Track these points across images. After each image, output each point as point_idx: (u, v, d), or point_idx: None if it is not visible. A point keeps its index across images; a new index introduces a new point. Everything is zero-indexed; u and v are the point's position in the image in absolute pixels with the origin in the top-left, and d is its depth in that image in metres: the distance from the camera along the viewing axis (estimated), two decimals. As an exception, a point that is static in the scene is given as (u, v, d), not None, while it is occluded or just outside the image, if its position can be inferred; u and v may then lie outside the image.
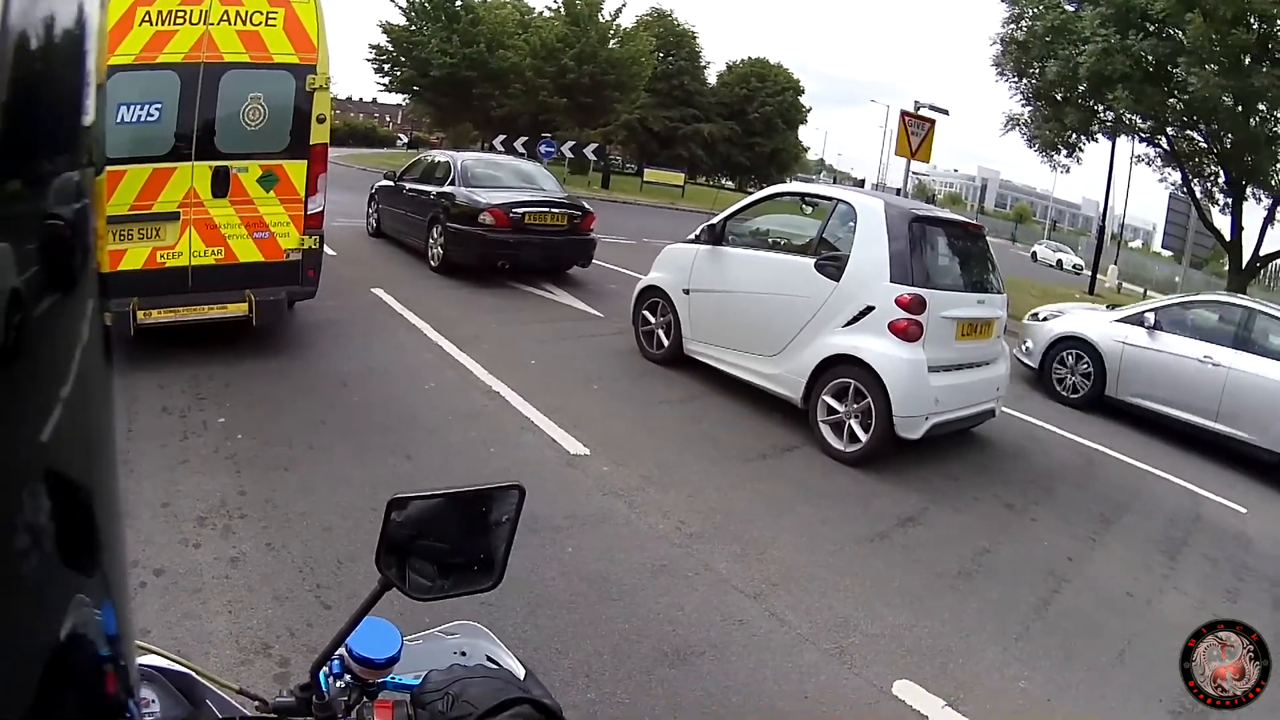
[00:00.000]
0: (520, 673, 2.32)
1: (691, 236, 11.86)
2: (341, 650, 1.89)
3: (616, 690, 5.14)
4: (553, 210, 17.17)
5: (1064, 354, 14.90)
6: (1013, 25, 28.61)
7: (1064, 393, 14.80)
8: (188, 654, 3.34)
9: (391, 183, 20.31)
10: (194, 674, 1.89)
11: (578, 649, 5.45)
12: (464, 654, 2.36)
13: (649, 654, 5.54)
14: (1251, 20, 21.56)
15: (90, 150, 0.79)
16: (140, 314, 9.37)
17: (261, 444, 7.92)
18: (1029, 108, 29.94)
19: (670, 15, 73.49)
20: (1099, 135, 29.75)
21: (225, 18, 9.60)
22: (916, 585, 7.06)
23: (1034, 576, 7.69)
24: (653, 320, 12.36)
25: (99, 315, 0.84)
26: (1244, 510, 10.80)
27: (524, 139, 47.81)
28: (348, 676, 1.94)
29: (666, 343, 12.09)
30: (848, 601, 6.59)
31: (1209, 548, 9.31)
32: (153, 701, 1.78)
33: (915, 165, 22.20)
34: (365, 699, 1.94)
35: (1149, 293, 46.11)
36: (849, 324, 9.56)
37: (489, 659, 2.37)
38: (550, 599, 5.92)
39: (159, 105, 9.46)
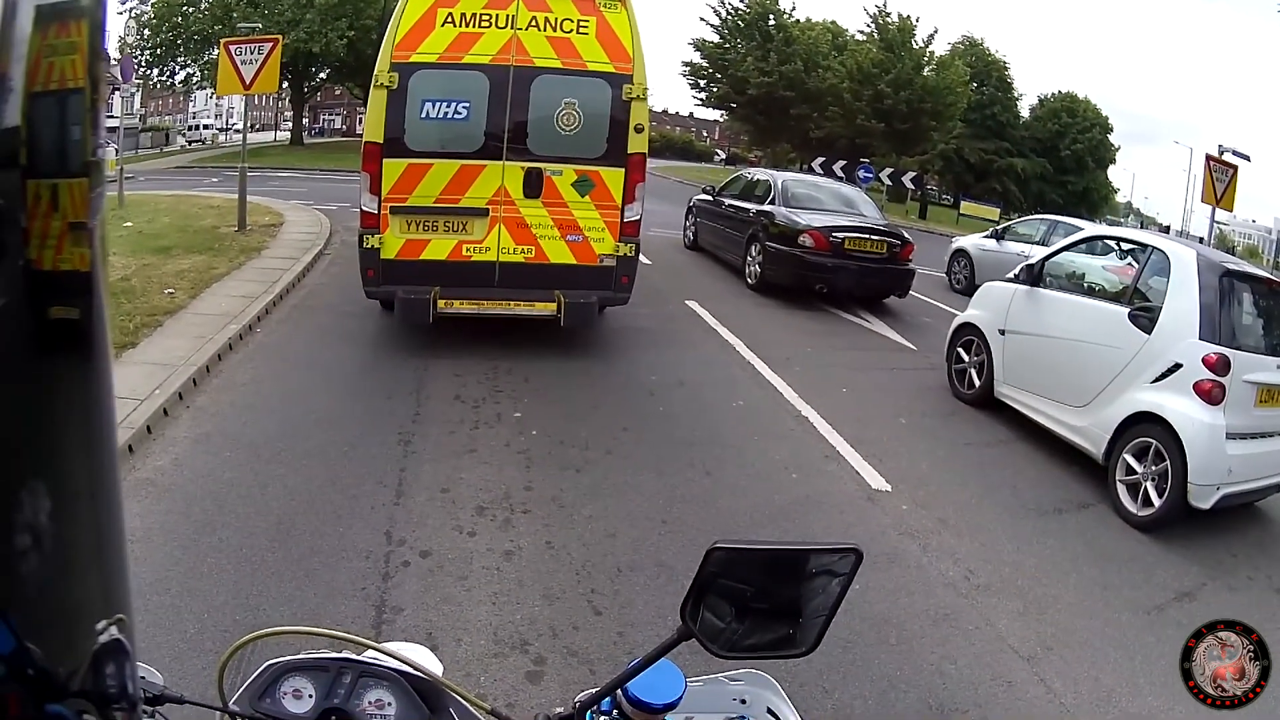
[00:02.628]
0: None
1: (1010, 275, 11.47)
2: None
3: (874, 740, 4.92)
4: (873, 237, 16.47)
5: None
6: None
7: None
8: (437, 639, 3.14)
9: (710, 197, 20.29)
10: (441, 684, 1.78)
11: (844, 690, 5.26)
12: (744, 702, 2.18)
13: (914, 705, 5.33)
14: None
15: (15, 153, 0.76)
16: (441, 303, 9.63)
17: (556, 443, 7.96)
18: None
19: (981, 44, 72.46)
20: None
21: (534, 24, 9.80)
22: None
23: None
24: (966, 358, 11.82)
25: (32, 312, 0.80)
26: None
27: (842, 162, 47.41)
28: (615, 712, 1.78)
29: (978, 383, 11.60)
30: (1115, 674, 6.23)
31: None
32: (388, 704, 1.77)
33: (1217, 214, 21.17)
34: None
35: None
36: (1156, 380, 9.05)
37: (770, 712, 2.17)
38: (828, 635, 5.66)
39: (467, 104, 9.74)
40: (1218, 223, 44.48)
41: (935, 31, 58.20)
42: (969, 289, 15.40)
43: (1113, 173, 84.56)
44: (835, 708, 5.05)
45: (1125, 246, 10.56)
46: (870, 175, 43.89)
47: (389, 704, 1.75)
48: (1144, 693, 5.98)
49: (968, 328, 11.67)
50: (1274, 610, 7.83)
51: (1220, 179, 20.31)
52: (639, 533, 6.43)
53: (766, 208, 17.17)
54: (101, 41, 0.82)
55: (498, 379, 9.26)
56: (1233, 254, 53.54)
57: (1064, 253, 10.99)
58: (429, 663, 1.91)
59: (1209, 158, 20.52)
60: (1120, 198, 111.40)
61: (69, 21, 0.78)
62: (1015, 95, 74.08)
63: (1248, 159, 21.51)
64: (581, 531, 6.38)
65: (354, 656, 1.83)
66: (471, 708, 1.75)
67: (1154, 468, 8.67)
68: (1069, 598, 7.08)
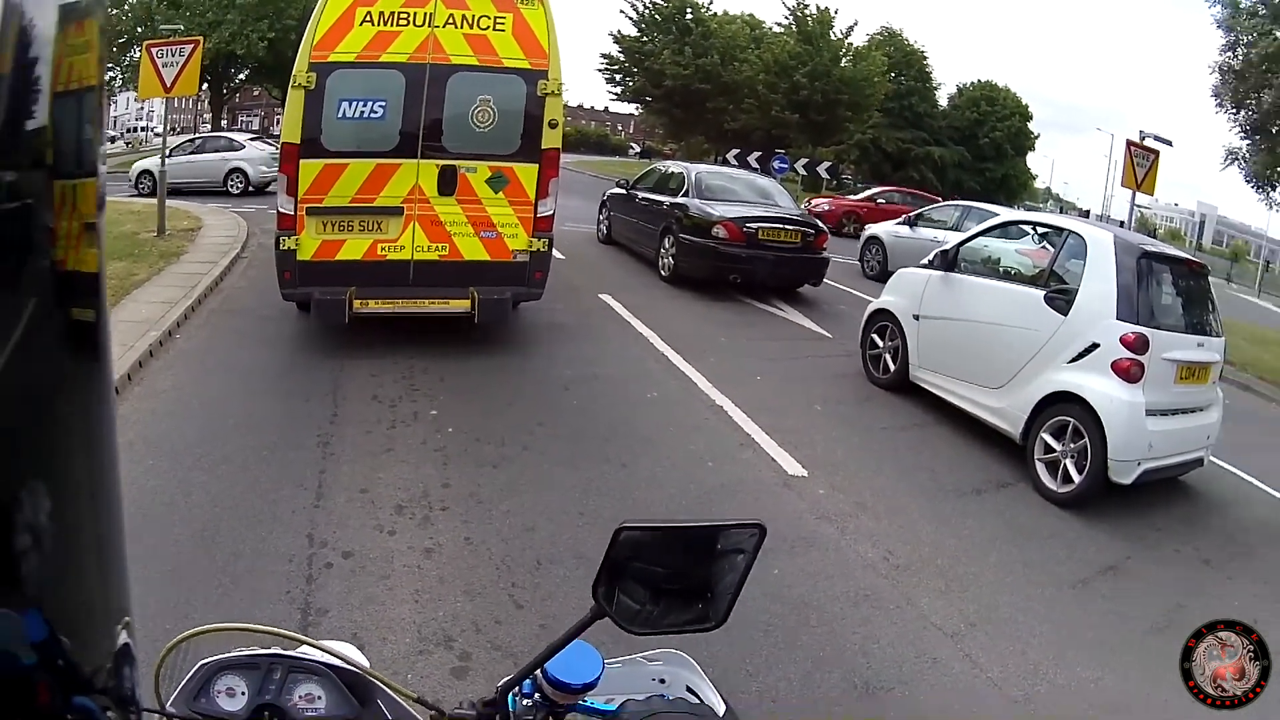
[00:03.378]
0: (720, 709, 2.21)
1: (925, 261, 11.66)
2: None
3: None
4: (787, 227, 16.76)
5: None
6: (1229, 53, 27.45)
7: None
8: (363, 638, 3.21)
9: (624, 191, 20.32)
10: (368, 675, 1.83)
11: (768, 673, 5.35)
12: (663, 682, 2.26)
13: (839, 685, 5.42)
14: None
15: (42, 154, 0.78)
16: (357, 303, 9.64)
17: (473, 440, 8.00)
18: (1247, 141, 28.65)
19: (900, 34, 72.79)
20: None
21: (451, 21, 9.82)
22: (1109, 638, 6.76)
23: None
24: (881, 344, 11.94)
25: (61, 314, 0.83)
26: None
27: (757, 154, 47.48)
28: (537, 695, 1.84)
29: (893, 368, 11.78)
30: (1041, 648, 6.37)
31: None
32: (318, 698, 1.80)
33: (1139, 198, 21.54)
34: None
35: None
36: (1073, 360, 9.26)
37: (689, 690, 2.25)
38: (748, 619, 5.74)
39: (383, 103, 9.76)
40: (1140, 207, 44.97)
41: (854, 24, 58.77)
42: (883, 275, 15.71)
43: (1032, 160, 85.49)
44: (761, 690, 5.16)
45: (1041, 231, 10.83)
46: (785, 166, 43.96)
47: (319, 697, 1.78)
48: (1072, 664, 6.16)
49: (882, 314, 11.89)
50: (1203, 582, 8.14)
51: (1141, 164, 20.56)
52: (557, 526, 6.50)
53: (680, 200, 17.29)
54: (106, 39, 0.85)
55: (414, 378, 9.29)
56: (1154, 237, 54.03)
57: (979, 238, 11.23)
58: (356, 658, 1.97)
59: (1130, 143, 20.75)
60: (1040, 184, 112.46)
61: (84, 20, 0.80)
62: (934, 85, 74.53)
63: (1170, 144, 21.77)
64: (500, 526, 6.44)
65: (283, 652, 1.86)
66: (398, 698, 1.79)
67: (1073, 445, 8.91)
68: (990, 575, 7.26)
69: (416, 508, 6.50)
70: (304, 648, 1.87)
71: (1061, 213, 34.19)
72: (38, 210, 0.77)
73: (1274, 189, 28.82)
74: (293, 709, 1.75)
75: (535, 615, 5.41)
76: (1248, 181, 29.25)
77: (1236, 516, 10.24)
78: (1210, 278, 10.34)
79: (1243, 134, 28.68)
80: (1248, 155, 28.75)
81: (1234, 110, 28.15)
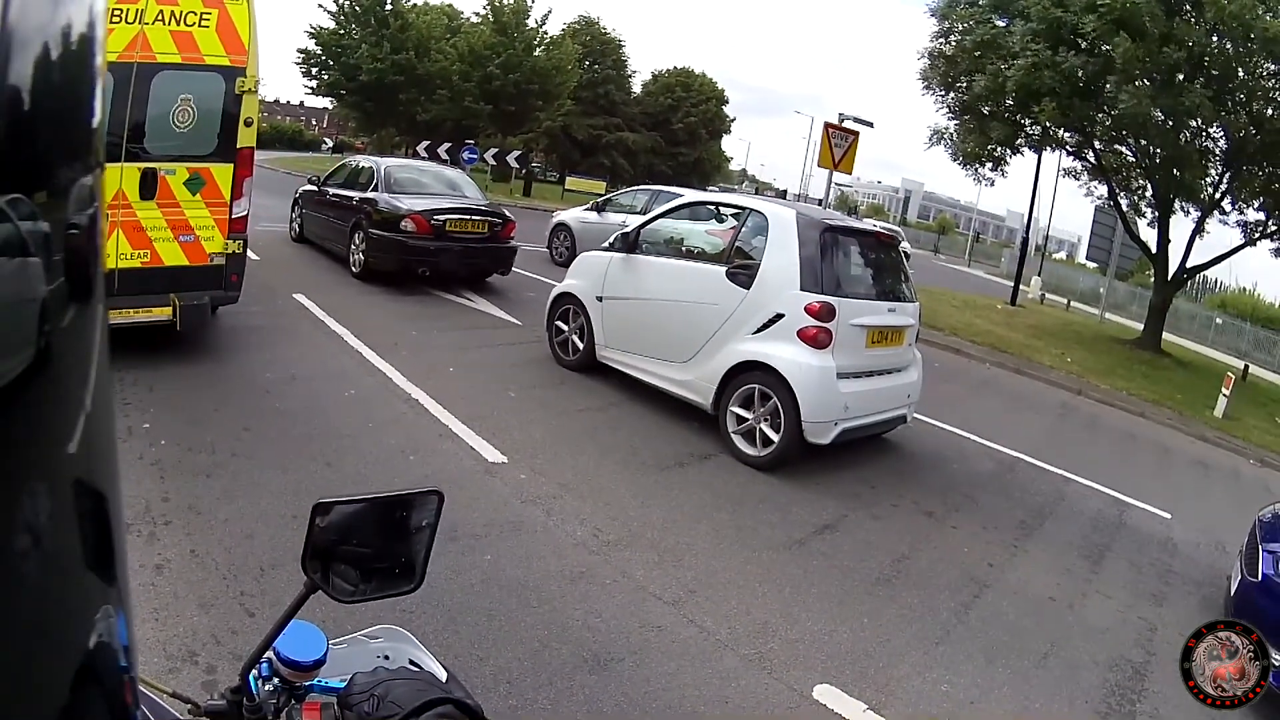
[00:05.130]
0: (442, 675, 2.35)
1: (606, 244, 12.02)
2: (270, 654, 1.92)
3: (538, 696, 5.19)
4: (474, 218, 17.31)
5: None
6: (942, 39, 28.71)
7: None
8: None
9: (315, 188, 20.18)
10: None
11: (498, 655, 5.49)
12: (387, 657, 2.38)
13: (569, 660, 5.59)
14: (1187, 40, 21.80)
15: (99, 151, 0.81)
16: None
17: (185, 450, 7.87)
18: (955, 121, 30.01)
19: (598, 23, 73.32)
20: (1024, 149, 29.99)
21: (160, 17, 9.54)
22: (835, 591, 7.15)
23: (955, 582, 7.80)
24: (566, 328, 12.46)
25: (107, 317, 0.85)
26: (1168, 516, 11.06)
27: (447, 145, 47.11)
28: (276, 680, 1.97)
29: (580, 349, 12.18)
30: (766, 608, 6.66)
31: (1133, 553, 9.50)
32: None
33: (838, 177, 22.34)
34: (294, 701, 1.97)
35: (1072, 304, 46.81)
36: (759, 331, 9.70)
37: (411, 662, 2.38)
38: (470, 606, 5.96)
39: None
40: (840, 185, 46.12)
41: (549, 12, 58.44)
42: (571, 261, 15.84)
43: (728, 143, 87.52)
44: (493, 673, 5.30)
45: (725, 211, 11.38)
46: (474, 156, 43.99)
47: None
48: (801, 621, 6.51)
49: (566, 297, 12.32)
50: (926, 531, 8.76)
51: (839, 145, 21.23)
52: (273, 530, 6.52)
53: (370, 195, 17.40)
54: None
55: (123, 391, 9.02)
56: (855, 214, 55.82)
57: (661, 219, 11.57)
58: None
59: (828, 125, 21.42)
60: (735, 166, 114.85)
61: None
62: (629, 73, 75.39)
63: (871, 125, 22.47)
64: (221, 536, 6.41)
65: None
66: (155, 695, 1.85)
67: (763, 409, 9.39)
68: (704, 543, 7.57)
69: (142, 524, 6.38)
70: None
71: (757, 193, 35.13)
72: (100, 211, 0.79)
73: (983, 166, 30.13)
74: None
75: (267, 621, 5.15)
76: (954, 159, 30.50)
77: (954, 469, 11.06)
78: (908, 248, 10.86)
79: (950, 115, 29.95)
80: (955, 135, 29.99)
81: (942, 93, 29.34)
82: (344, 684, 1.99)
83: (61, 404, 0.77)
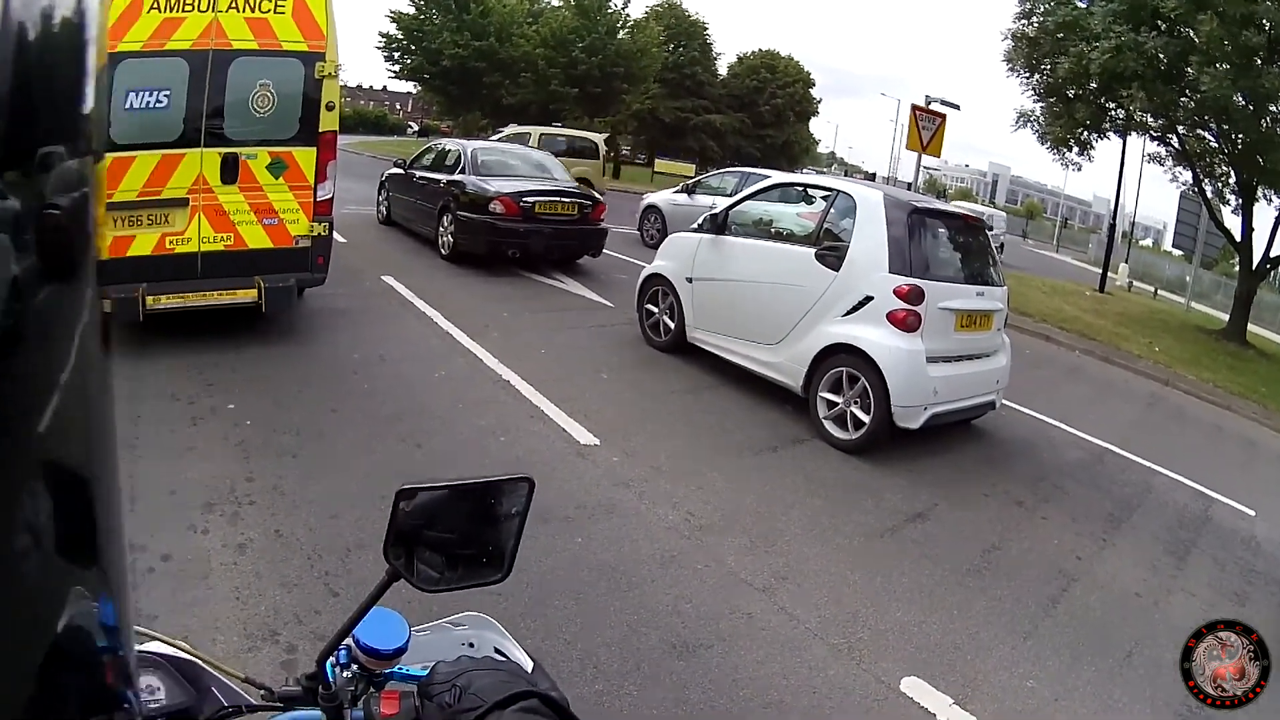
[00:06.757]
0: (528, 665, 2.30)
1: (695, 226, 11.97)
2: (349, 640, 1.88)
3: (624, 682, 5.14)
4: (563, 200, 17.19)
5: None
6: (1024, 20, 28.36)
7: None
8: (195, 640, 3.31)
9: (402, 171, 20.18)
10: (200, 661, 1.90)
11: (586, 639, 5.45)
12: (471, 645, 2.35)
13: (657, 646, 5.54)
14: (1264, 22, 21.37)
15: (90, 138, 0.80)
16: (149, 300, 9.43)
17: (270, 431, 7.93)
18: (1040, 104, 29.60)
19: (680, 5, 73.20)
20: (1110, 133, 29.56)
21: (234, 5, 9.65)
22: (926, 582, 7.04)
23: (1043, 575, 7.67)
24: (656, 309, 12.46)
25: (98, 302, 0.83)
26: (1252, 513, 10.78)
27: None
28: (355, 666, 1.92)
29: (670, 330, 12.14)
30: (857, 596, 6.58)
31: (1217, 550, 9.28)
32: (157, 688, 1.82)
33: (926, 160, 22.18)
34: (372, 689, 1.92)
35: (1159, 292, 46.12)
36: (848, 314, 9.61)
37: (497, 651, 2.35)
38: (559, 589, 5.92)
39: (167, 92, 9.52)
40: (929, 169, 45.91)
41: (632, -6, 58.59)
42: (661, 243, 15.74)
43: (815, 125, 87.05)
44: (580, 657, 5.26)
45: (812, 193, 11.14)
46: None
47: (158, 688, 1.82)
48: (891, 610, 6.43)
49: (656, 279, 12.31)
50: (1017, 521, 8.61)
51: (927, 128, 21.14)
52: (360, 511, 6.49)
53: (457, 177, 17.42)
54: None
55: (207, 372, 9.11)
56: (944, 197, 55.25)
57: (749, 201, 11.49)
58: (186, 646, 2.03)
59: (915, 108, 21.30)
60: (824, 148, 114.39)
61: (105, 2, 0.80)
62: (715, 55, 75.19)
63: (958, 108, 22.43)
64: (306, 516, 6.44)
65: None
66: (229, 680, 1.89)
67: (852, 392, 9.32)
68: (795, 529, 7.48)
69: (225, 504, 6.43)
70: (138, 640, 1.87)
71: (845, 176, 34.93)
72: (90, 196, 0.80)
73: (1070, 150, 29.77)
74: None
75: (351, 601, 5.24)
76: (1041, 143, 30.17)
77: (1044, 458, 10.87)
78: (995, 233, 10.75)
79: (1036, 97, 29.60)
80: (1040, 118, 29.64)
81: (1027, 75, 29.01)
82: (425, 672, 1.93)
83: (28, 383, 0.76)
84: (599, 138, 33.64)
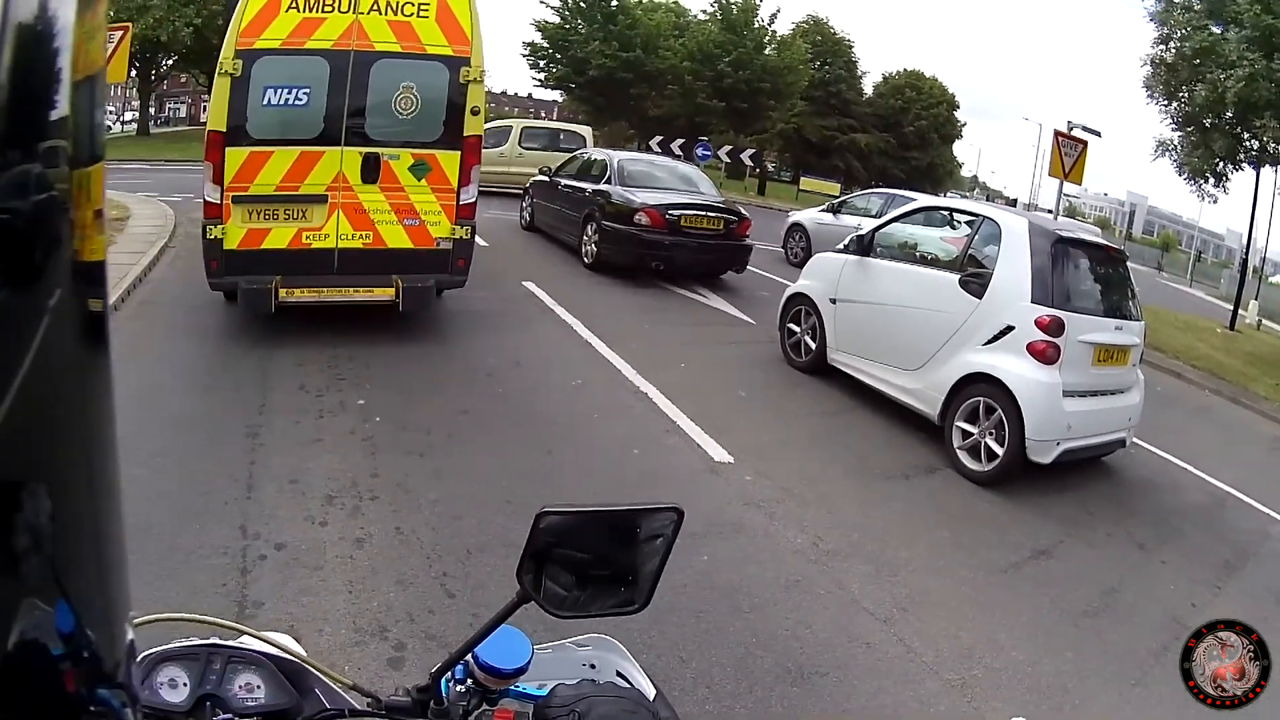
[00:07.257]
0: (650, 692, 2.24)
1: (840, 246, 11.80)
2: (468, 657, 1.81)
3: (736, 704, 5.07)
4: (709, 214, 16.86)
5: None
6: (1161, 46, 27.73)
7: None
8: (300, 631, 3.25)
9: (547, 178, 20.17)
10: (305, 664, 1.87)
11: (701, 658, 5.38)
12: (594, 667, 2.29)
13: (772, 669, 5.45)
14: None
15: (68, 143, 0.78)
16: (282, 292, 9.63)
17: (399, 428, 7.99)
18: (1179, 133, 28.94)
19: (826, 23, 72.78)
20: (1245, 164, 28.83)
21: (375, 7, 9.81)
22: (1043, 621, 6.86)
23: (1157, 621, 7.38)
24: (798, 328, 12.16)
25: (78, 304, 0.81)
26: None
27: (680, 141, 47.27)
28: (470, 681, 1.87)
29: (811, 351, 11.93)
30: (974, 632, 6.43)
31: (1333, 605, 8.90)
32: (258, 687, 1.79)
33: (1067, 187, 21.71)
34: (485, 706, 1.86)
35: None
36: (988, 342, 9.40)
37: (619, 675, 2.28)
38: (679, 606, 5.83)
39: (307, 90, 9.72)
40: (1068, 196, 45.10)
41: (778, 11, 58.33)
42: (806, 262, 15.53)
43: (958, 148, 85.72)
44: (694, 676, 5.20)
45: (957, 217, 10.91)
46: (708, 153, 43.98)
47: (258, 687, 1.78)
48: (1006, 648, 6.25)
49: (799, 298, 12.07)
50: (1137, 564, 8.31)
51: (1069, 154, 20.72)
52: (484, 514, 6.51)
53: (603, 187, 17.33)
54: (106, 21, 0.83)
55: (339, 366, 9.26)
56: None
57: (895, 224, 11.33)
58: (292, 647, 1.99)
59: (1058, 133, 20.91)
60: (966, 172, 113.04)
61: (97, 5, 0.79)
62: (860, 74, 74.70)
63: (1099, 135, 21.89)
64: (428, 515, 6.46)
65: (222, 642, 1.87)
66: (335, 685, 1.83)
67: (990, 425, 9.07)
68: (921, 560, 7.33)
69: (346, 498, 6.51)
70: (243, 638, 1.90)
71: (988, 201, 34.57)
72: (61, 201, 0.77)
73: (1206, 181, 29.15)
74: (233, 699, 1.75)
75: (467, 604, 5.42)
76: (1179, 173, 29.57)
77: (1167, 500, 10.48)
78: (1136, 265, 10.49)
79: (1174, 126, 28.93)
80: (1179, 147, 29.00)
81: (1165, 103, 28.36)
82: (543, 692, 1.88)
83: None
84: (587, 131, 33.20)
